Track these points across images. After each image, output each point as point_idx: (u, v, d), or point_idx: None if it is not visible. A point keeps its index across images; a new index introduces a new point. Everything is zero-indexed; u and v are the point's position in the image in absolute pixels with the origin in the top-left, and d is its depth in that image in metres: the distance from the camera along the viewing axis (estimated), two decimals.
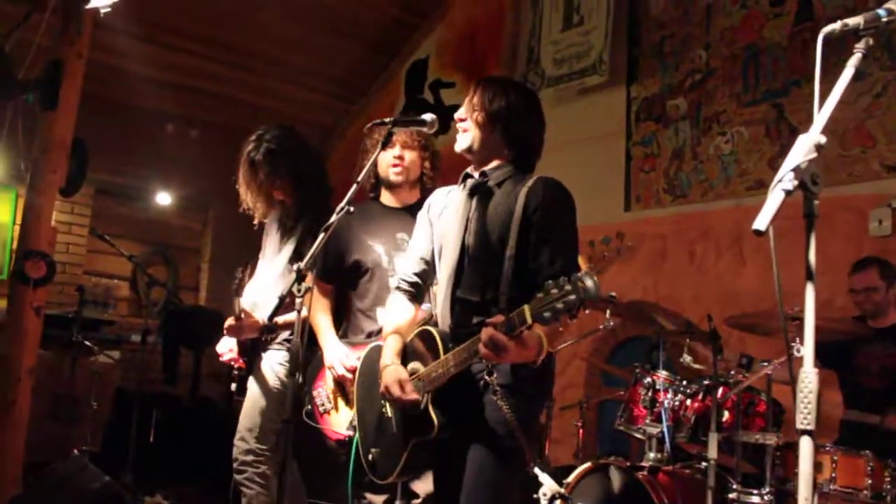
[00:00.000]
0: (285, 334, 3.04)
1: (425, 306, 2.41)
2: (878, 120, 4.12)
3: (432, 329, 2.17)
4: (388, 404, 2.26)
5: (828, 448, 3.11)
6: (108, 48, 5.35)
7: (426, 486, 2.66)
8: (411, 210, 2.77)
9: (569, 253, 2.08)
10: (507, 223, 2.11)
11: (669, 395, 3.47)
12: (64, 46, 4.22)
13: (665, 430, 3.40)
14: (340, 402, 2.83)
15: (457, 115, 2.28)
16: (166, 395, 5.72)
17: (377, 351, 2.34)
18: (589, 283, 1.72)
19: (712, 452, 3.12)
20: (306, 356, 2.80)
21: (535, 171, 2.26)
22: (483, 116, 2.21)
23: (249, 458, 3.00)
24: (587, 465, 3.51)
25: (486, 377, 2.02)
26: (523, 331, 1.85)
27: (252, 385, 3.11)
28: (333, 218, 2.23)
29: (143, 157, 6.64)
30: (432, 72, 6.68)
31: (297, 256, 3.00)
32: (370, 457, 2.31)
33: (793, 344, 2.84)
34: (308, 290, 2.18)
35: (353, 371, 2.67)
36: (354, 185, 2.31)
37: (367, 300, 2.91)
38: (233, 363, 3.20)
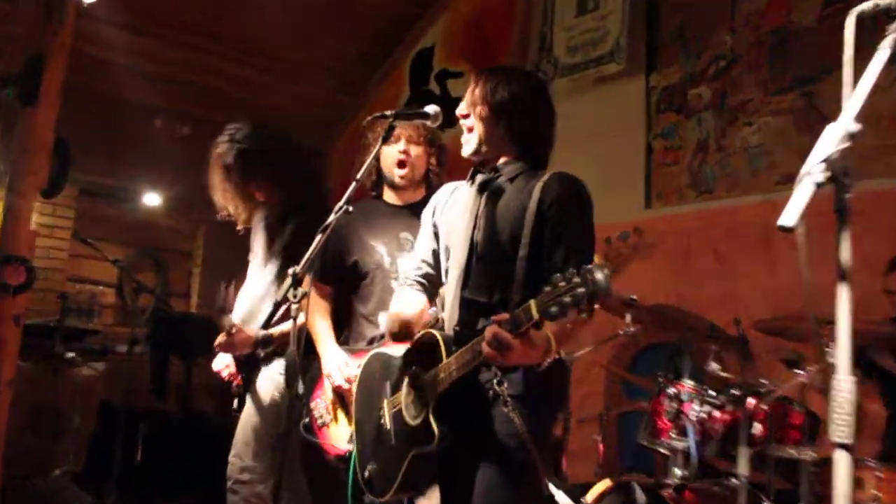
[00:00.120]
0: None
1: (431, 311, 2.41)
2: None
3: (435, 332, 2.16)
4: (386, 414, 2.25)
5: (870, 463, 3.08)
6: (93, 39, 5.37)
7: None
8: (416, 208, 2.78)
9: (585, 251, 2.07)
10: (519, 220, 2.11)
11: (695, 406, 3.45)
12: (46, 37, 4.23)
13: (691, 444, 3.38)
14: (340, 415, 2.83)
15: (458, 112, 2.28)
16: (154, 410, 5.72)
17: (377, 358, 2.33)
18: (599, 274, 1.68)
19: (743, 468, 3.09)
20: (304, 365, 2.80)
21: (550, 166, 2.25)
22: (486, 110, 2.20)
23: (245, 476, 3.00)
24: (607, 482, 3.49)
25: (496, 387, 2.00)
26: (530, 328, 1.82)
27: (249, 398, 3.12)
28: (331, 218, 2.22)
29: (131, 155, 6.65)
30: (438, 61, 6.67)
31: (286, 260, 2.98)
32: (367, 473, 2.30)
33: (828, 349, 2.82)
34: (305, 294, 2.17)
35: (353, 381, 2.66)
36: (354, 183, 2.31)
37: (370, 304, 2.91)
38: (231, 379, 3.20)
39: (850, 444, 1.22)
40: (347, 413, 2.78)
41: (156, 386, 5.96)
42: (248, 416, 3.09)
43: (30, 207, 4.28)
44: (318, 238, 2.21)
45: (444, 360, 2.06)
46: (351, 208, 2.23)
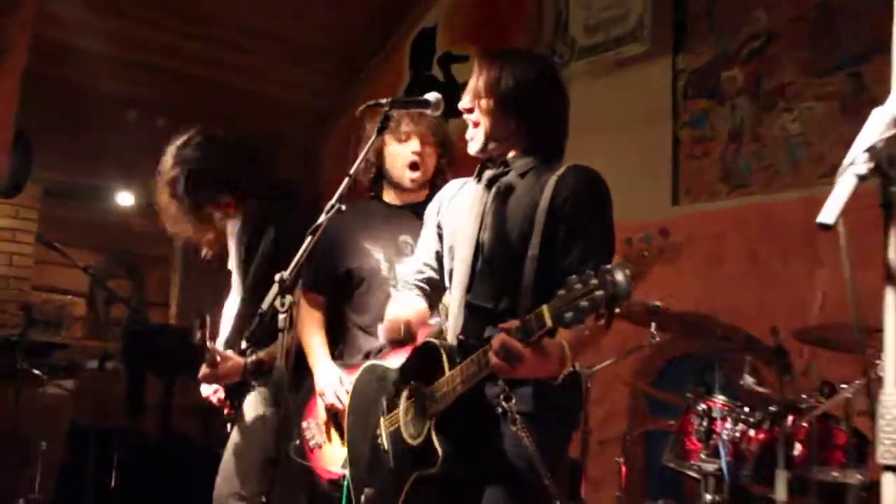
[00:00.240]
0: None
1: (434, 320, 2.41)
2: None
3: (436, 342, 2.16)
4: (383, 434, 2.25)
5: None
6: (57, 21, 5.38)
7: None
8: (418, 209, 2.78)
9: (603, 251, 2.06)
10: (530, 217, 2.11)
11: (728, 425, 3.45)
12: (2, 19, 4.25)
13: (724, 466, 3.38)
14: (334, 435, 2.83)
15: (461, 105, 2.28)
16: (130, 432, 5.74)
17: (370, 372, 2.34)
18: (620, 275, 1.65)
19: (781, 493, 3.09)
20: (296, 381, 2.80)
21: (565, 159, 2.25)
22: (491, 103, 2.21)
23: (232, 502, 3.01)
24: None
25: (504, 403, 1.99)
26: (542, 336, 1.80)
27: (238, 418, 3.12)
28: (322, 218, 2.21)
29: (101, 150, 6.65)
30: (441, 44, 6.67)
31: (265, 271, 2.94)
32: (363, 498, 2.29)
33: (876, 361, 2.82)
34: (293, 304, 2.17)
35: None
36: (346, 179, 2.30)
37: (368, 315, 2.91)
38: (220, 405, 3.22)
39: None
40: (342, 433, 2.79)
41: (131, 406, 5.98)
42: (236, 436, 3.10)
43: None
44: (307, 240, 2.19)
45: (447, 373, 2.06)
46: (344, 207, 2.22)
